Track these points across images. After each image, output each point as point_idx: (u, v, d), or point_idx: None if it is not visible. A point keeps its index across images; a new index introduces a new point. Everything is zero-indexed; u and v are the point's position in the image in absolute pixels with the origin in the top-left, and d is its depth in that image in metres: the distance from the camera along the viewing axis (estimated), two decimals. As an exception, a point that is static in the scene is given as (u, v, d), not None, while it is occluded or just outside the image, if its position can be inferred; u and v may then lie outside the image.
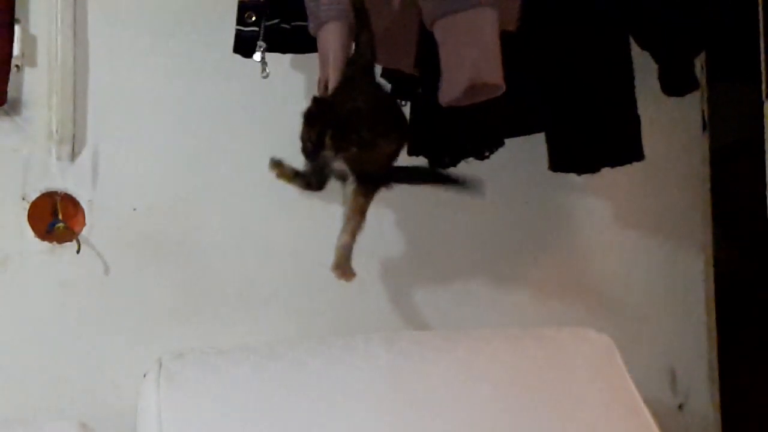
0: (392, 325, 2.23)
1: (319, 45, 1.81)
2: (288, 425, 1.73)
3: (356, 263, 2.23)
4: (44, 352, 2.07)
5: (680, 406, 2.50)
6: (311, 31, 1.83)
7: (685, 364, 2.50)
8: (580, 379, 1.89)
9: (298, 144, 2.22)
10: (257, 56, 1.95)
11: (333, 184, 2.26)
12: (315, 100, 1.74)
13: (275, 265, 2.22)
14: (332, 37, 1.78)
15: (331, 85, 1.77)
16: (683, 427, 2.46)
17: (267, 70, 1.97)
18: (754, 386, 2.63)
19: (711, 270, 2.55)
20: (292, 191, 2.24)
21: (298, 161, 2.24)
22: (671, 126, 2.48)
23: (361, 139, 1.69)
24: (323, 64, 1.81)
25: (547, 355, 1.92)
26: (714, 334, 2.53)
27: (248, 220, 2.22)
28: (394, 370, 1.78)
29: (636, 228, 2.48)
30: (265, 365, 1.79)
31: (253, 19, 1.94)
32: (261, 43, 1.94)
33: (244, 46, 1.95)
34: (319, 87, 1.82)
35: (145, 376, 1.78)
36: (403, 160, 2.22)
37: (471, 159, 2.19)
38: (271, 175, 2.23)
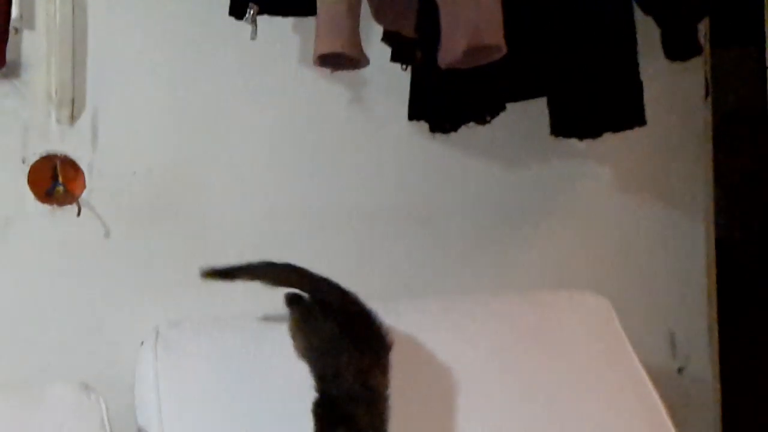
0: (393, 290, 2.23)
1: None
2: (284, 393, 1.72)
3: (356, 229, 2.24)
4: (44, 315, 2.07)
5: (680, 370, 2.51)
6: None
7: (685, 328, 2.51)
8: (577, 342, 1.89)
9: (300, 106, 2.24)
10: (248, 18, 1.92)
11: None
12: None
13: (278, 229, 2.22)
14: None
15: (331, 48, 1.64)
16: (683, 391, 2.47)
17: (255, 33, 1.93)
18: (754, 350, 2.64)
19: (711, 234, 2.55)
20: (295, 154, 2.24)
21: (299, 126, 2.24)
22: (674, 91, 2.47)
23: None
24: (320, 30, 1.66)
25: (544, 318, 1.92)
26: (714, 298, 2.54)
27: (251, 183, 2.21)
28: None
29: (637, 193, 2.48)
30: (262, 334, 1.79)
31: None
32: (252, 5, 1.91)
33: (237, 7, 1.93)
34: (318, 58, 1.67)
35: (142, 344, 1.78)
36: (404, 125, 2.23)
37: (472, 124, 2.19)
38: (273, 137, 2.23)
